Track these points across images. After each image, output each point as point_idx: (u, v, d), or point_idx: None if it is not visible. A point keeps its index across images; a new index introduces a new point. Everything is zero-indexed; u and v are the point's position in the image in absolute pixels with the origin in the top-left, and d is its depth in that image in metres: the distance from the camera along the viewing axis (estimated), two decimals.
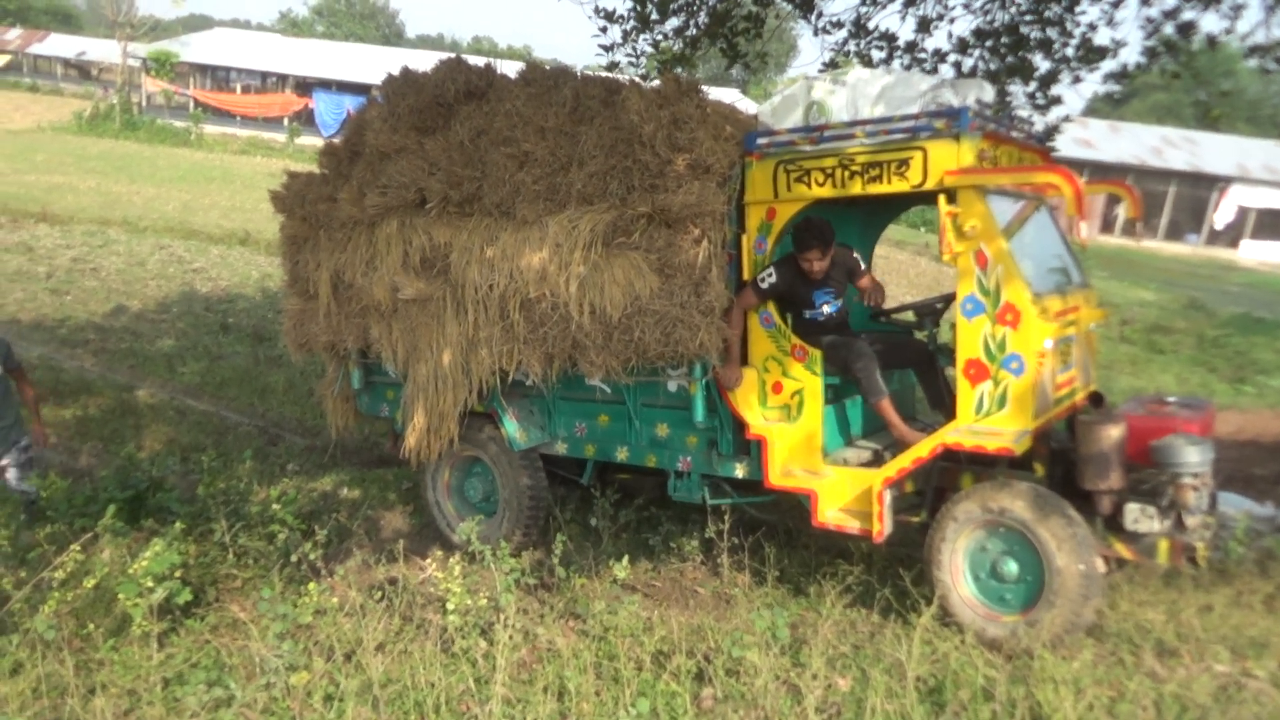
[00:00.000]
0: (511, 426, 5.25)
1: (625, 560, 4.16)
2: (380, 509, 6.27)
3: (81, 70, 47.80)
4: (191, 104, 37.17)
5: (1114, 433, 4.03)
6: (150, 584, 3.82)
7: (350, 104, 30.44)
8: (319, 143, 7.56)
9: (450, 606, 3.89)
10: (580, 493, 5.89)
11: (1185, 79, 7.79)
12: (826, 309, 4.79)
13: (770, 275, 4.50)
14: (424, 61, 5.87)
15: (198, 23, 54.35)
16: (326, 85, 37.25)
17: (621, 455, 5.09)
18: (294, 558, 4.46)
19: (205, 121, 34.58)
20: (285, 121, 35.98)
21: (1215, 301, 19.35)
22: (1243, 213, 35.41)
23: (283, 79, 38.91)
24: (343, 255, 5.48)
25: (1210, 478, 4.21)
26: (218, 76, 39.96)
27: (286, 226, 5.89)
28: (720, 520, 4.65)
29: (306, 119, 36.11)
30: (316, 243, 5.68)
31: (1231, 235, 35.66)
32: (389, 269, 5.23)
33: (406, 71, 5.48)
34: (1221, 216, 35.46)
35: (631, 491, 5.82)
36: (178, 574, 4.03)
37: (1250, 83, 37.77)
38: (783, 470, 4.55)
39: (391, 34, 69.29)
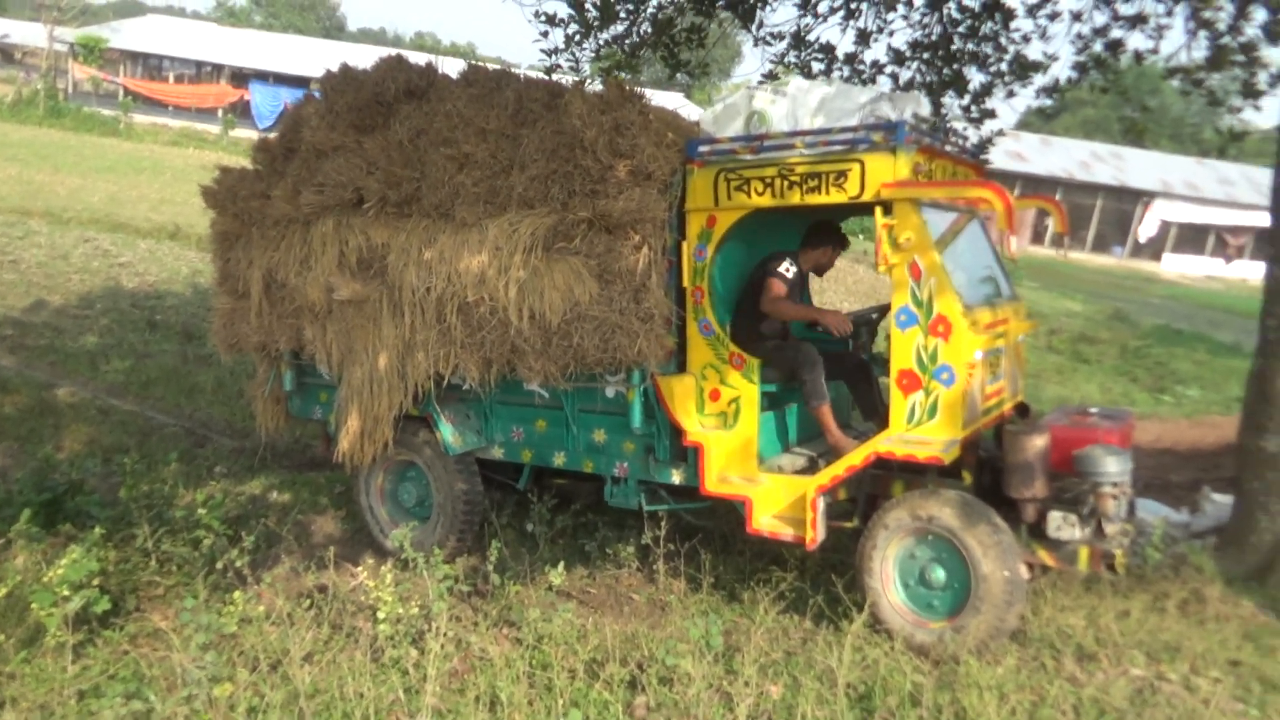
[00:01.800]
0: (447, 431, 5.19)
1: (561, 567, 4.14)
2: (311, 514, 6.15)
3: (4, 54, 46.01)
4: (121, 92, 36.01)
5: (1038, 443, 4.14)
6: (66, 592, 3.68)
7: (288, 97, 29.82)
8: (255, 135, 7.40)
9: (381, 615, 3.83)
10: (516, 498, 5.85)
11: (1112, 95, 8.05)
12: None
13: (791, 266, 4.74)
14: (365, 56, 5.78)
15: (130, 9, 52.80)
16: (264, 77, 36.48)
17: (559, 460, 5.07)
18: (220, 564, 4.34)
19: (135, 110, 33.53)
20: (220, 113, 35.09)
21: (1138, 313, 20.01)
22: (1165, 227, 36.76)
23: (218, 69, 37.98)
24: (276, 254, 5.36)
25: (1129, 486, 4.35)
26: (150, 65, 38.82)
27: (218, 223, 5.75)
28: (657, 526, 4.66)
29: (242, 111, 35.29)
30: (249, 240, 5.55)
31: (1154, 248, 36.99)
32: (324, 269, 5.14)
33: (346, 68, 5.39)
34: (1145, 230, 36.77)
35: (568, 497, 5.80)
36: (96, 582, 3.90)
37: (1174, 102, 39.26)
38: (719, 477, 4.58)
39: (332, 26, 68.23)
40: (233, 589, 4.01)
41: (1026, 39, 7.68)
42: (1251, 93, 7.05)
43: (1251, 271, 32.96)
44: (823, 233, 5.06)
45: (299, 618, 3.87)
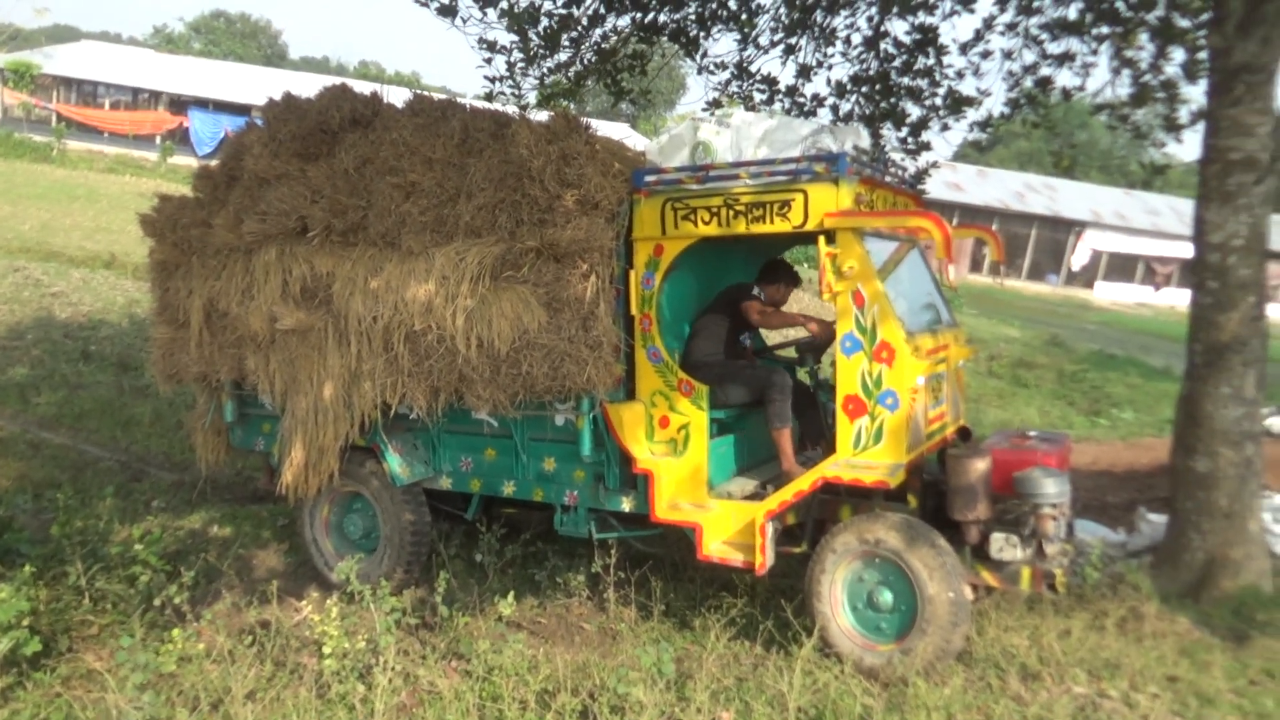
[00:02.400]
0: (394, 461, 5.13)
1: (511, 597, 4.11)
2: (253, 548, 6.01)
3: None
4: (55, 118, 35.18)
5: (980, 466, 4.23)
6: None
7: (229, 124, 29.37)
8: (194, 163, 7.29)
9: (326, 650, 3.75)
10: (465, 528, 5.79)
11: (1043, 129, 8.34)
12: (749, 340, 5.23)
13: (759, 293, 5.04)
14: (307, 84, 5.75)
15: (64, 34, 51.64)
16: (203, 104, 35.94)
17: (508, 490, 5.03)
18: (157, 601, 4.23)
19: (69, 137, 32.75)
20: (158, 140, 34.46)
21: (1073, 338, 20.58)
22: (1096, 255, 37.96)
23: (155, 96, 37.31)
24: (217, 283, 5.28)
25: (1068, 507, 4.46)
26: (84, 91, 38.00)
27: (157, 251, 5.65)
28: (607, 554, 4.65)
29: (181, 138, 34.68)
30: (189, 269, 5.46)
31: (1087, 276, 38.15)
32: (267, 298, 5.07)
33: (289, 96, 5.35)
34: (1078, 258, 37.94)
35: (518, 526, 5.76)
36: (26, 622, 3.77)
37: (1102, 135, 40.69)
38: (669, 504, 4.59)
39: (274, 54, 67.55)
40: (171, 627, 3.90)
41: (960, 75, 7.93)
42: (1173, 127, 7.37)
43: (1179, 299, 34.14)
44: (778, 270, 5.18)
45: (241, 655, 3.78)
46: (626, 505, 4.71)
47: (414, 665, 4.01)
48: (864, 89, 8.16)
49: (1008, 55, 7.81)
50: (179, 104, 36.48)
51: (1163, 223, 37.36)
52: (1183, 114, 7.18)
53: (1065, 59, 7.56)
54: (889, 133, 8.16)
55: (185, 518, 6.42)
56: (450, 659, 4.21)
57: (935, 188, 8.05)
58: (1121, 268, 38.19)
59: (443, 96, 5.21)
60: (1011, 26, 7.69)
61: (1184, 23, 6.86)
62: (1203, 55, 6.55)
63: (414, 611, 4.44)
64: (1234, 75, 4.95)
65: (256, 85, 31.74)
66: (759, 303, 5.01)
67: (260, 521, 6.44)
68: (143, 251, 5.99)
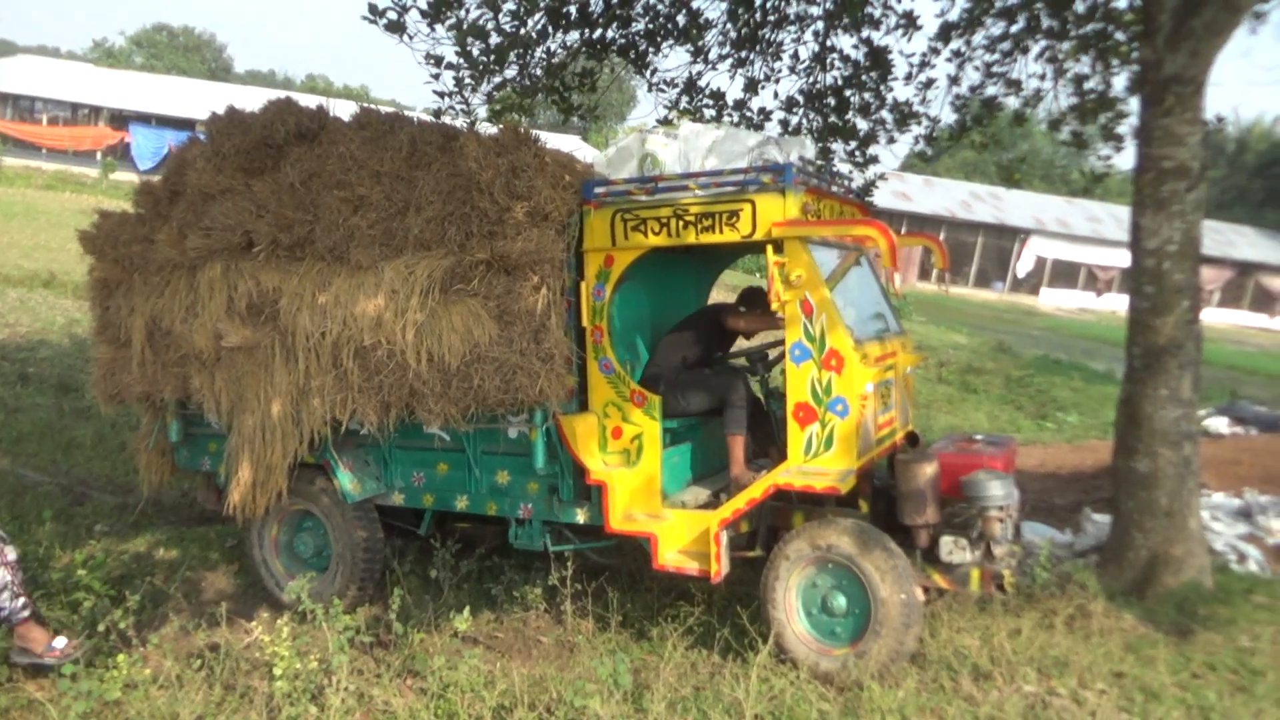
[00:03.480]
0: (345, 478, 5.06)
1: (466, 612, 4.07)
2: (201, 569, 5.89)
3: None
4: None
5: (929, 470, 4.29)
6: None
7: (172, 139, 28.90)
8: (136, 179, 7.14)
9: (278, 671, 3.69)
10: (420, 544, 5.73)
11: (990, 148, 8.53)
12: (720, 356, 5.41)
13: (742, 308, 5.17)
14: (253, 99, 5.68)
15: None
16: (145, 119, 35.25)
17: (461, 504, 5.00)
18: (101, 627, 4.12)
19: (6, 153, 31.92)
20: (99, 156, 33.73)
21: (1020, 344, 21.01)
22: (1041, 262, 38.81)
23: (96, 111, 36.52)
24: (160, 300, 5.18)
25: (1014, 509, 4.54)
26: (21, 106, 37.07)
27: (97, 269, 5.53)
28: (563, 567, 4.63)
29: (122, 153, 33.99)
30: (130, 287, 5.35)
31: (1032, 283, 38.98)
32: (212, 315, 4.99)
33: (232, 110, 5.27)
34: (1023, 266, 38.76)
35: (472, 541, 5.71)
36: None
37: (1044, 145, 41.64)
38: (624, 515, 4.59)
39: (219, 68, 66.47)
40: (116, 653, 3.80)
41: (909, 104, 8.08)
42: (1111, 137, 7.58)
43: (1120, 304, 34.97)
44: (758, 300, 5.13)
45: (189, 679, 3.71)
46: (581, 517, 4.70)
47: (368, 684, 3.95)
48: (814, 104, 8.28)
49: (954, 81, 7.99)
50: (120, 119, 35.75)
51: (1104, 230, 38.33)
52: (1123, 126, 7.41)
53: (1013, 84, 7.75)
54: (838, 146, 8.28)
55: (129, 541, 6.27)
56: (405, 677, 4.16)
57: (883, 197, 8.19)
58: (1065, 274, 39.10)
59: (391, 110, 5.18)
60: (957, 54, 7.86)
61: (1120, 36, 7.07)
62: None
63: (368, 629, 4.38)
64: (1164, 87, 5.11)
65: (200, 100, 31.14)
66: (740, 314, 5.13)
67: (208, 543, 6.31)
68: (82, 270, 5.86)
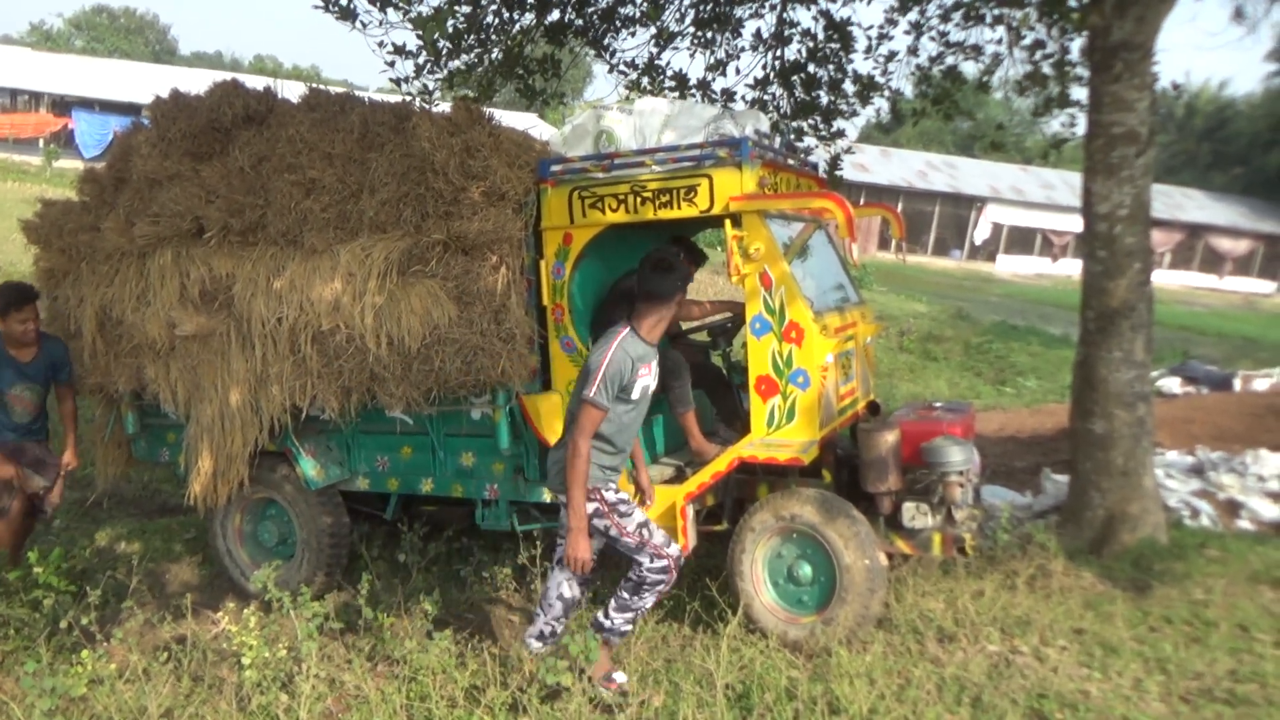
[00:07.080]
0: (308, 465, 5.02)
1: (436, 594, 4.07)
2: (164, 562, 5.82)
3: None
4: None
5: (890, 438, 4.35)
6: None
7: (117, 125, 28.14)
8: (81, 166, 6.97)
9: (246, 661, 3.65)
10: (387, 529, 5.70)
11: (954, 116, 8.56)
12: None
13: None
14: (199, 81, 5.55)
15: None
16: (88, 104, 34.32)
17: (427, 487, 4.98)
18: (64, 624, 4.06)
19: None
20: (41, 143, 32.80)
21: (978, 311, 21.28)
22: (997, 229, 39.28)
23: (36, 97, 35.48)
24: (110, 290, 5.07)
25: (974, 474, 4.62)
26: None
27: (43, 259, 5.39)
28: (532, 546, 4.64)
29: (66, 140, 33.09)
30: (78, 276, 5.23)
31: (989, 250, 39.45)
32: (164, 303, 4.89)
33: (177, 93, 5.16)
34: (979, 233, 39.19)
35: (440, 523, 5.70)
36: None
37: (997, 112, 41.95)
38: None
39: (163, 50, 64.87)
40: (80, 649, 3.75)
41: (872, 79, 8.07)
42: (1065, 104, 7.65)
43: (1075, 269, 35.55)
44: (692, 253, 5.16)
45: (156, 673, 3.67)
46: (547, 496, 4.70)
47: (339, 671, 3.94)
48: (783, 81, 8.25)
49: (912, 51, 8.00)
50: (62, 105, 34.75)
51: (1058, 196, 38.85)
52: (1075, 92, 7.47)
53: (974, 51, 7.76)
54: (804, 123, 8.28)
55: (89, 536, 6.17)
56: (376, 662, 4.16)
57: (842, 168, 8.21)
58: (1021, 241, 39.62)
59: (342, 90, 5.09)
60: (915, 25, 7.86)
61: (1072, 3, 7.12)
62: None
63: (337, 616, 4.35)
64: (1113, 53, 5.17)
65: (145, 83, 30.31)
66: (695, 303, 4.97)
67: (170, 535, 6.23)
68: (27, 260, 5.72)
